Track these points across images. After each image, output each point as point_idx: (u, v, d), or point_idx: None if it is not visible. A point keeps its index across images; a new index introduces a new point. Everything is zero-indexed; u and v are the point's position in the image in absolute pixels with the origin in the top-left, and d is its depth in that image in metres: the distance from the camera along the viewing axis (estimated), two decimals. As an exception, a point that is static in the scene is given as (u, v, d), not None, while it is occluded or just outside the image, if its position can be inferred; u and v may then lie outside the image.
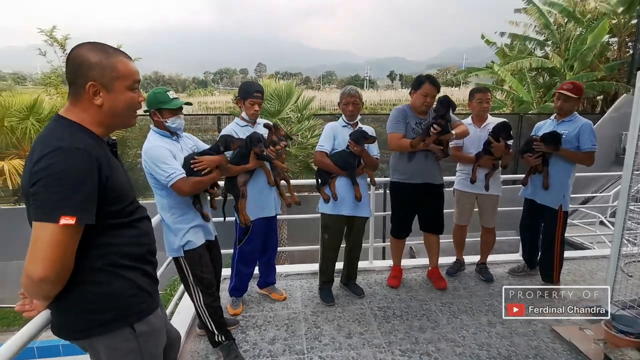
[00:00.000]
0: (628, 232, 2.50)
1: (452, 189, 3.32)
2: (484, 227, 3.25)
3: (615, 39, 13.28)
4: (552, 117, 2.96)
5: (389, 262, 3.31)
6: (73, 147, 1.00)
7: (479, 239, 3.33)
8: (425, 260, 3.32)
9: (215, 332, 2.16)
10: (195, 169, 1.94)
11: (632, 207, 2.47)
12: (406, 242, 3.14)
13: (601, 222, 5.95)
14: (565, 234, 2.94)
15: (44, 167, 0.97)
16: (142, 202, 1.23)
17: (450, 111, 2.70)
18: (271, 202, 2.58)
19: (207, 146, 2.19)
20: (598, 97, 13.63)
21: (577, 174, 2.94)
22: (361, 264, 3.06)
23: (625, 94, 10.48)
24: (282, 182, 2.60)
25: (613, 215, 5.59)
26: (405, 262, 3.37)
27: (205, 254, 2.11)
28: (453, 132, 2.70)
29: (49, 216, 0.96)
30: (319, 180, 2.73)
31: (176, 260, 2.08)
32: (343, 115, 2.75)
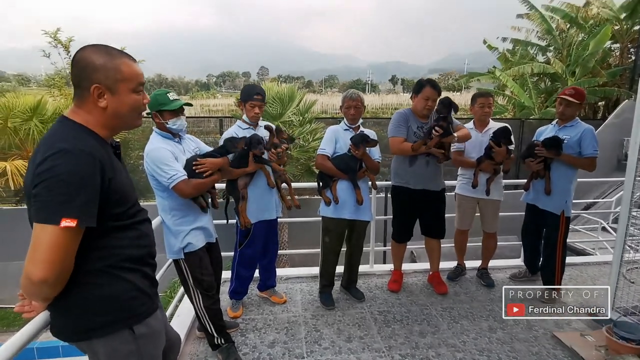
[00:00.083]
0: (630, 238, 2.49)
1: (453, 193, 3.31)
2: (485, 232, 3.25)
3: (618, 45, 13.28)
4: (554, 122, 2.96)
5: (389, 266, 3.30)
6: (77, 149, 1.00)
7: (480, 243, 3.32)
8: (426, 265, 3.31)
9: (215, 334, 2.15)
10: (197, 171, 1.94)
11: (634, 213, 2.46)
12: (407, 247, 3.14)
13: (603, 228, 5.93)
14: (567, 240, 2.93)
15: (47, 168, 0.97)
16: (142, 204, 1.23)
17: (452, 112, 2.70)
18: (272, 205, 2.58)
19: (209, 148, 2.19)
20: (600, 103, 13.61)
21: (579, 180, 2.93)
22: (362, 268, 3.06)
23: (627, 100, 10.49)
24: (283, 184, 2.60)
25: (615, 221, 5.57)
26: (406, 266, 3.37)
27: (206, 257, 2.11)
28: (455, 134, 2.69)
29: (50, 218, 0.96)
30: (321, 183, 2.73)
31: (176, 262, 2.08)
32: (345, 119, 2.76)
